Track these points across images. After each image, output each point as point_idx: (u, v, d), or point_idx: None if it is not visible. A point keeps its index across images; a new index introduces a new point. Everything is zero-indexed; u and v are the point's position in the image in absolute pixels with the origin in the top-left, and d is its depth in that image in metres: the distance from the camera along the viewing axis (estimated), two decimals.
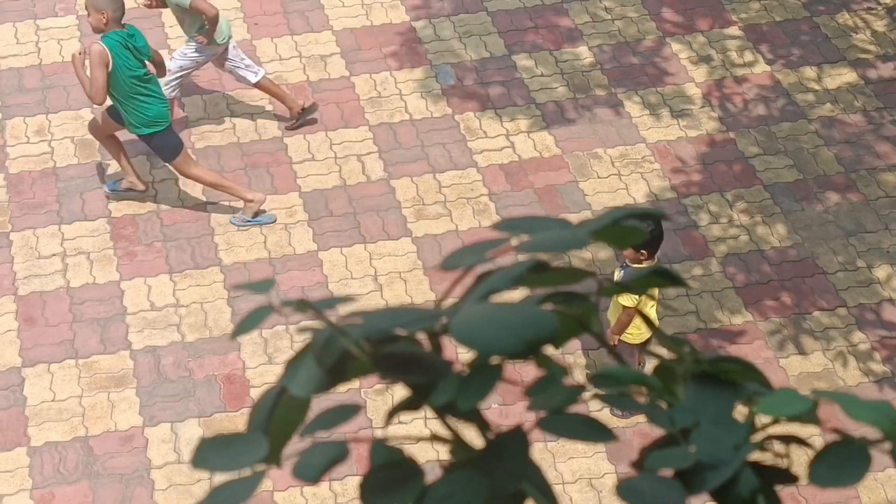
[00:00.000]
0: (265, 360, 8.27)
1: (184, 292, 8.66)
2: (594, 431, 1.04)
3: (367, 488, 0.97)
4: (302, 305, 1.06)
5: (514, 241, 1.07)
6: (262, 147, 9.69)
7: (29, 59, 10.32)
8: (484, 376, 0.94)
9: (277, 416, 1.07)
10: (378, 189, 9.39)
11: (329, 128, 9.86)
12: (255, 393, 8.09)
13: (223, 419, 7.92)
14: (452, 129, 9.86)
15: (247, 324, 1.09)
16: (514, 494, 0.96)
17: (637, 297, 7.21)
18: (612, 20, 10.88)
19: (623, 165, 9.62)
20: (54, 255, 8.84)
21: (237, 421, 7.92)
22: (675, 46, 10.65)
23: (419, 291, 8.66)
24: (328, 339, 1.01)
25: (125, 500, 7.50)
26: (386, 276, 8.77)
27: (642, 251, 7.26)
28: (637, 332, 7.64)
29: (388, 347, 0.98)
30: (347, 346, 0.99)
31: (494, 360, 0.96)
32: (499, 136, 9.82)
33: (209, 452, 1.00)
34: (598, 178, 9.52)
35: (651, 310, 7.61)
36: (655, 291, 7.46)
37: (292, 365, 1.07)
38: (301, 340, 8.40)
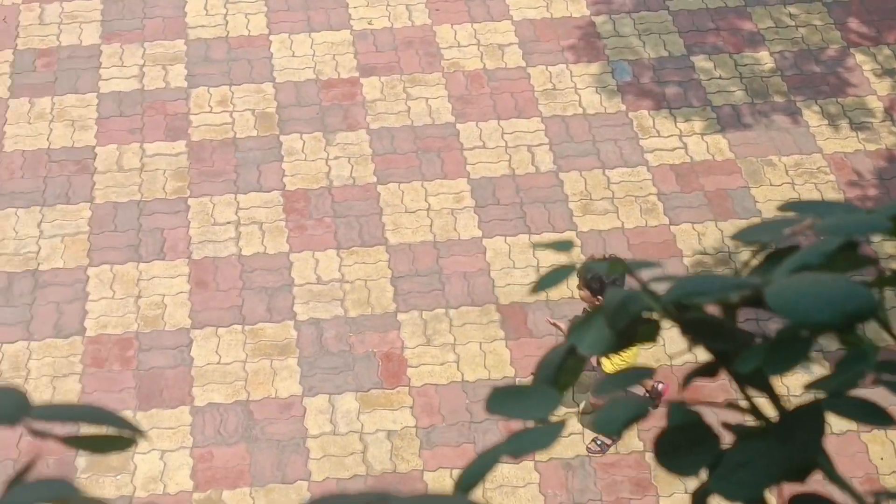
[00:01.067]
0: (424, 341, 8.37)
1: (349, 268, 8.82)
2: (876, 415, 1.05)
3: (662, 448, 0.99)
4: (615, 266, 1.09)
5: (810, 221, 1.08)
6: (434, 132, 9.79)
7: (216, 30, 10.62)
8: (793, 347, 0.95)
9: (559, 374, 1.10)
10: (546, 181, 9.40)
11: (502, 117, 9.91)
12: (412, 373, 8.20)
13: (379, 396, 8.05)
14: (625, 125, 9.82)
15: (548, 280, 1.12)
16: (801, 468, 0.97)
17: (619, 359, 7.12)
18: (795, 27, 10.68)
19: (797, 174, 9.45)
20: (229, 222, 9.08)
21: (393, 398, 8.03)
22: (859, 57, 10.41)
23: None
24: (622, 301, 1.04)
25: (280, 465, 7.68)
26: (548, 268, 8.77)
27: (598, 297, 7.27)
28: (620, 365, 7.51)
29: (694, 313, 1.00)
30: (652, 308, 1.01)
31: (804, 332, 0.98)
32: (672, 136, 9.74)
33: (503, 399, 1.03)
34: (771, 185, 9.37)
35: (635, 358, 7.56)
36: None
37: (579, 325, 1.10)
38: (459, 325, 8.47)
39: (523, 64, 10.33)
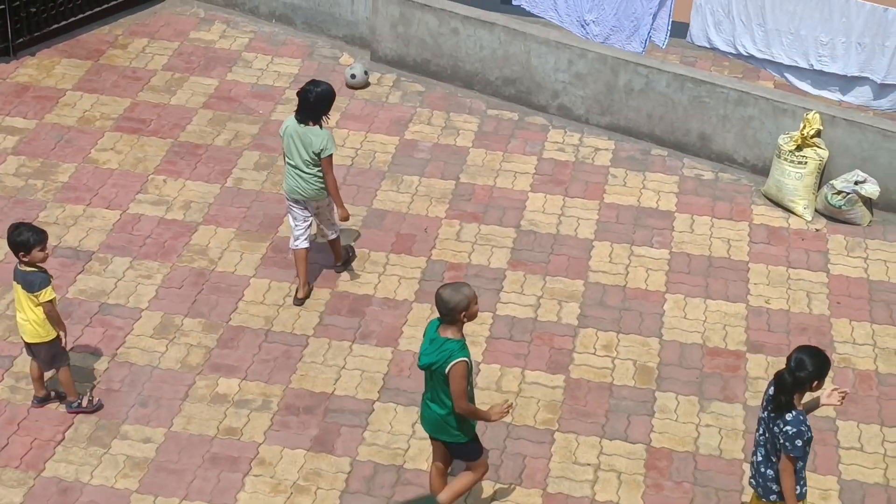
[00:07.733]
0: None
1: None
2: None
3: None
4: None
5: None
6: (817, 424, 9.52)
7: (616, 278, 10.94)
8: None
9: None
10: None
11: (886, 423, 9.54)
12: None
13: None
14: None
15: None
16: None
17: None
18: None
19: None
20: (588, 464, 9.15)
21: None
22: None
23: None
24: None
25: None
26: None
27: (22, 254, 8.41)
28: (46, 331, 8.65)
29: None
30: None
31: None
32: None
33: None
34: None
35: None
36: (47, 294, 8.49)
37: None
38: None
39: None
